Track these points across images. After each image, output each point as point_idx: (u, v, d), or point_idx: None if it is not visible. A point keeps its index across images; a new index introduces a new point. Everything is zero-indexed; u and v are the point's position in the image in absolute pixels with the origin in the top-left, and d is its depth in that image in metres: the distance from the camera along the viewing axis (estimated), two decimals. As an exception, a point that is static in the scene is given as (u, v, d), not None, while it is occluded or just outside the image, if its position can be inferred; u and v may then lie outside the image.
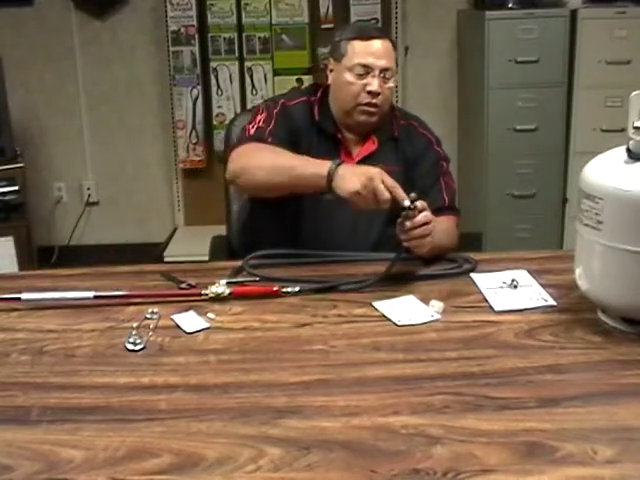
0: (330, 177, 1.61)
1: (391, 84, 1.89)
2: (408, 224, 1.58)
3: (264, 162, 1.75)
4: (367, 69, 1.85)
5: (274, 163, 1.73)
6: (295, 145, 1.86)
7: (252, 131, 1.87)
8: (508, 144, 3.63)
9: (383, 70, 1.86)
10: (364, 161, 1.91)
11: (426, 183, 1.92)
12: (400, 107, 2.08)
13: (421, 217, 1.58)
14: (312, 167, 1.66)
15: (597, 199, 1.31)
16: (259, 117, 1.90)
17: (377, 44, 1.87)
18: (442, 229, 1.77)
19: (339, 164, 1.63)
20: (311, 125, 1.93)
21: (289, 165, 1.70)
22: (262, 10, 3.78)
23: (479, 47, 3.58)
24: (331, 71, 1.94)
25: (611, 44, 3.51)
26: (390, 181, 1.57)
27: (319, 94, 1.97)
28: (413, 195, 1.57)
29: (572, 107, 3.60)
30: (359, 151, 1.94)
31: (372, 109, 1.88)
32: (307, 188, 1.70)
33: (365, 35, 1.88)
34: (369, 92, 1.85)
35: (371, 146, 1.94)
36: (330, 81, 1.94)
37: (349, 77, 1.87)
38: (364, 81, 1.86)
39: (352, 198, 1.58)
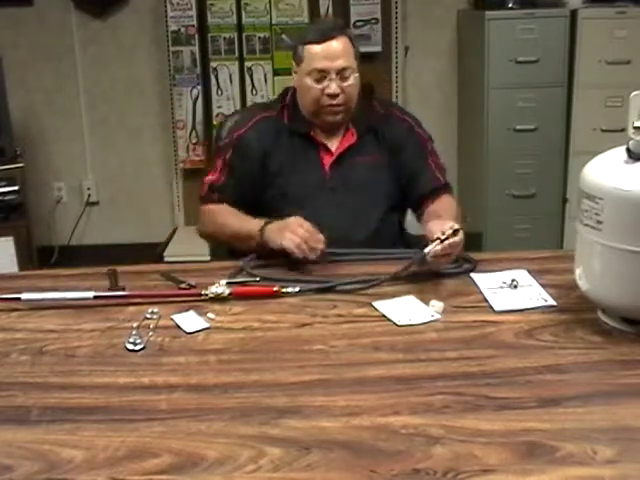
0: (262, 234, 1.76)
1: (352, 80, 1.91)
2: (439, 249, 1.58)
3: (217, 231, 1.96)
4: (323, 73, 1.88)
5: (223, 231, 1.92)
6: (263, 160, 1.94)
7: (205, 190, 2.01)
8: (508, 144, 3.62)
9: (340, 70, 1.88)
10: (345, 154, 1.96)
11: (416, 166, 1.98)
12: (378, 96, 2.11)
13: (455, 240, 1.60)
14: (247, 229, 1.82)
15: (597, 199, 1.31)
16: (217, 164, 2.01)
17: (331, 45, 1.88)
18: (447, 209, 1.89)
19: (267, 223, 1.77)
20: (282, 132, 1.97)
21: (232, 231, 1.88)
22: (262, 10, 3.78)
23: (479, 47, 3.58)
24: (295, 73, 1.97)
25: (611, 44, 3.50)
26: (306, 226, 1.68)
27: (289, 97, 2.01)
28: (450, 228, 1.59)
29: (572, 107, 3.60)
30: (338, 145, 1.97)
31: (335, 109, 1.92)
32: (250, 245, 1.81)
33: (319, 38, 1.89)
34: (328, 95, 1.89)
35: (350, 139, 1.98)
36: (295, 83, 1.98)
37: (308, 82, 1.90)
38: (322, 85, 1.89)
39: (283, 251, 1.70)
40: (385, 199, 1.98)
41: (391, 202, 1.99)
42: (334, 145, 1.97)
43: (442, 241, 1.57)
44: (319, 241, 1.68)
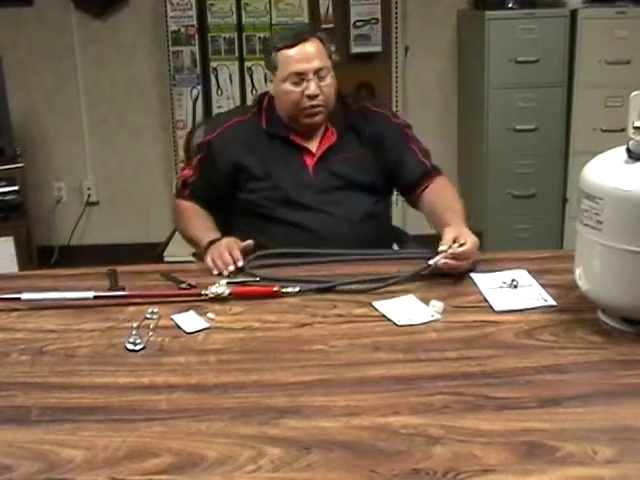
0: (206, 250, 1.81)
1: (328, 80, 1.92)
2: (452, 262, 1.62)
3: (181, 228, 2.07)
4: (301, 76, 1.89)
5: (186, 230, 2.02)
6: (237, 165, 1.96)
7: (180, 184, 2.10)
8: (508, 144, 3.62)
9: (317, 71, 1.89)
10: (326, 153, 1.98)
11: (399, 155, 2.00)
12: (350, 94, 2.13)
13: (460, 251, 1.62)
14: (199, 242, 1.89)
15: (597, 199, 1.31)
16: (194, 161, 2.06)
17: (304, 48, 1.89)
18: (444, 193, 1.94)
19: (212, 241, 1.82)
20: (260, 136, 1.99)
21: (191, 234, 1.97)
22: (262, 10, 3.78)
23: (479, 47, 3.58)
24: (271, 81, 1.98)
25: (611, 44, 3.50)
26: (236, 255, 1.72)
27: (265, 103, 2.02)
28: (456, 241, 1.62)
29: (572, 107, 3.60)
30: (318, 146, 1.99)
31: (315, 110, 1.93)
32: (199, 253, 1.91)
33: (291, 42, 1.90)
34: (308, 96, 1.90)
35: (331, 138, 1.99)
36: (272, 91, 1.99)
37: (287, 87, 1.91)
38: (301, 87, 1.90)
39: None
40: (369, 193, 2.00)
41: (376, 195, 2.01)
42: (314, 146, 1.99)
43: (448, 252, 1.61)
44: (230, 263, 1.70)
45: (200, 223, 1.98)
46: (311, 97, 1.90)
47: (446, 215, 1.81)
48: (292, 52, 1.89)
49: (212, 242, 1.82)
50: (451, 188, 1.99)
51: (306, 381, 1.22)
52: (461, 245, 1.61)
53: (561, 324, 1.41)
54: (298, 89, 1.90)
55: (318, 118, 1.95)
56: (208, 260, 1.75)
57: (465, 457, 0.99)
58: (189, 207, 2.05)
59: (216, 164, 2.00)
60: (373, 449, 1.02)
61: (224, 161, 1.99)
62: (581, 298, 1.45)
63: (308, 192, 1.95)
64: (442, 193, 1.95)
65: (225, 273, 1.69)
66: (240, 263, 1.71)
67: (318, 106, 1.92)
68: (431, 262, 1.61)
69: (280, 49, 1.91)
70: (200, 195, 2.04)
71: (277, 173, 1.96)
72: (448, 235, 1.64)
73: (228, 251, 1.74)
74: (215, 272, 1.71)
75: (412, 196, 2.02)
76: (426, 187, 1.98)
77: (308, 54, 1.89)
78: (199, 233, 1.92)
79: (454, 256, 1.61)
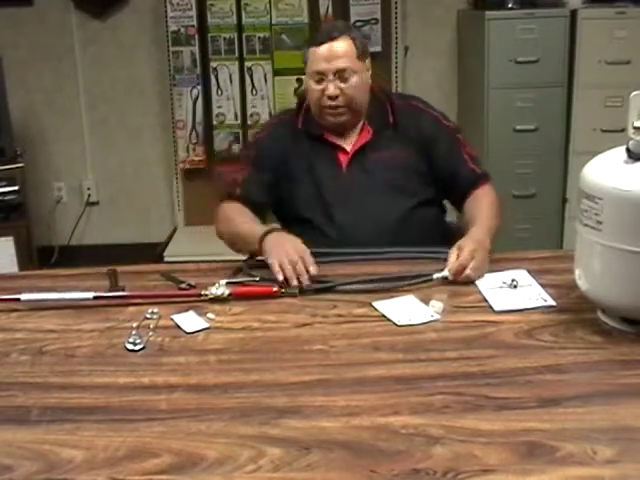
0: (261, 242, 1.71)
1: (353, 81, 1.89)
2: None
3: (223, 228, 1.93)
4: (322, 75, 1.89)
5: (229, 227, 1.91)
6: (283, 165, 1.95)
7: (228, 185, 2.00)
8: (508, 144, 3.62)
9: (338, 72, 1.87)
10: (360, 152, 1.95)
11: (451, 163, 1.96)
12: (397, 92, 2.11)
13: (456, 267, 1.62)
14: (251, 235, 1.77)
15: (597, 199, 1.31)
16: (243, 162, 2.03)
17: (329, 47, 1.87)
18: (480, 203, 1.88)
19: (269, 231, 1.73)
20: (298, 135, 1.98)
21: (237, 230, 1.87)
22: (262, 10, 3.78)
23: (479, 47, 3.58)
24: (305, 75, 1.98)
25: (611, 44, 3.50)
26: (300, 253, 1.63)
27: (305, 103, 2.01)
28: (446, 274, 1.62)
29: (572, 107, 3.60)
30: (353, 143, 1.96)
31: (337, 110, 1.92)
32: (249, 248, 1.81)
33: (318, 40, 1.90)
34: (328, 96, 1.89)
35: (366, 136, 1.96)
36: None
37: (311, 83, 1.92)
38: (322, 86, 1.90)
39: (270, 266, 1.63)
40: (406, 195, 1.93)
41: (417, 197, 1.95)
42: (349, 144, 1.96)
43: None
44: (304, 272, 1.60)
45: (247, 219, 1.88)
46: (330, 97, 1.89)
47: (470, 227, 1.78)
48: (318, 50, 1.88)
49: (268, 233, 1.72)
50: (489, 198, 1.91)
51: (306, 381, 1.22)
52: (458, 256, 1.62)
53: (561, 324, 1.41)
54: (319, 87, 1.90)
55: (342, 118, 1.93)
56: (274, 264, 1.61)
57: (465, 457, 0.99)
58: (234, 207, 1.93)
59: (264, 163, 1.98)
60: (373, 449, 1.02)
61: (270, 160, 1.97)
62: (581, 298, 1.45)
63: (340, 191, 1.92)
64: (479, 203, 1.89)
65: (295, 283, 1.58)
66: (312, 270, 1.61)
67: (339, 107, 1.90)
68: (435, 277, 1.62)
69: (311, 45, 1.91)
70: (251, 195, 1.94)
71: (313, 174, 1.94)
72: (452, 256, 1.63)
73: (298, 255, 1.62)
74: (280, 277, 1.59)
75: (458, 203, 1.98)
76: (470, 195, 1.93)
77: (332, 53, 1.87)
78: (248, 227, 1.82)
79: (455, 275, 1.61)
